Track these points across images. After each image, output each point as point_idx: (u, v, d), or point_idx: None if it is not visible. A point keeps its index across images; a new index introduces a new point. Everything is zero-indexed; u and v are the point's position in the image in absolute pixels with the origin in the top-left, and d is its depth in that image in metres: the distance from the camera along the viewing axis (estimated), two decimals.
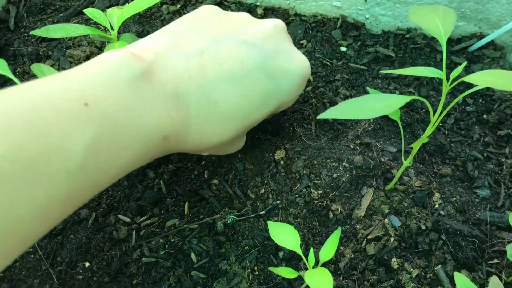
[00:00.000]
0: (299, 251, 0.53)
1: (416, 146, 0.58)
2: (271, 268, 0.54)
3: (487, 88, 0.82)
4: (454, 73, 0.52)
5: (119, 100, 0.41)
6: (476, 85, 0.53)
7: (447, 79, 0.51)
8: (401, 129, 0.62)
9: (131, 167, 0.46)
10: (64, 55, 0.83)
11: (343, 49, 0.88)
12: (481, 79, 0.46)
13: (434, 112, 0.59)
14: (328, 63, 0.86)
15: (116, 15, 0.67)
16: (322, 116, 0.47)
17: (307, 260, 0.54)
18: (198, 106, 0.51)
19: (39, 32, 0.63)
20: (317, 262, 0.58)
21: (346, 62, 0.86)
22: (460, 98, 0.50)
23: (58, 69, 0.81)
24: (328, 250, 0.54)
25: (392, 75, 0.84)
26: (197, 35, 0.55)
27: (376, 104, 0.48)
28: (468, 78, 0.47)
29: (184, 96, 0.50)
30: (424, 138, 0.56)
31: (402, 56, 0.87)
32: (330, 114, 0.48)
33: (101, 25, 0.75)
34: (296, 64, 0.59)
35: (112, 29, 0.68)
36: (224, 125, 0.53)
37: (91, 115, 0.38)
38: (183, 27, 0.57)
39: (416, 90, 0.82)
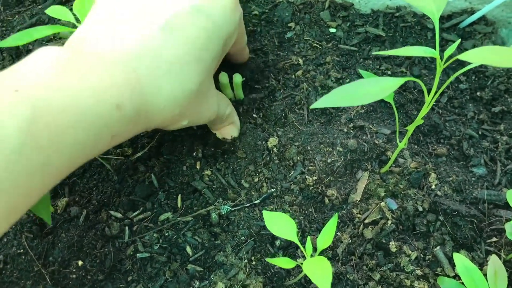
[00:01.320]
0: (296, 240, 0.52)
1: (411, 128, 0.56)
2: (268, 259, 0.53)
3: (480, 65, 0.81)
4: (448, 52, 0.50)
5: (51, 83, 0.41)
6: (470, 63, 0.51)
7: (441, 58, 0.50)
8: (395, 111, 0.60)
9: (90, 146, 0.44)
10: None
11: (332, 30, 0.86)
12: (476, 56, 0.44)
13: (428, 92, 0.57)
14: (317, 46, 0.84)
15: (78, 9, 0.65)
16: (315, 105, 0.45)
17: (304, 248, 0.53)
18: (143, 64, 0.48)
19: (5, 43, 0.62)
20: (314, 249, 0.57)
21: (336, 43, 0.84)
22: (454, 77, 0.49)
23: None
24: (325, 238, 0.53)
25: (383, 55, 0.82)
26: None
27: (370, 89, 0.47)
28: (463, 56, 0.46)
29: (125, 59, 0.48)
30: (419, 120, 0.54)
31: (393, 35, 0.85)
32: (323, 102, 0.46)
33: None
34: None
35: (79, 22, 0.66)
36: (178, 74, 0.51)
37: (22, 98, 0.38)
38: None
39: (408, 69, 0.81)
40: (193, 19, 0.53)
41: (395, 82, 0.47)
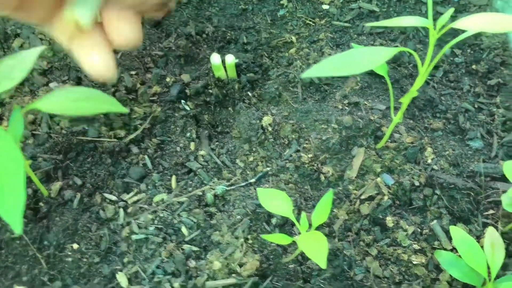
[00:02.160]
0: (291, 217, 0.52)
1: (405, 100, 0.56)
2: (263, 236, 0.52)
3: (475, 37, 0.80)
4: (441, 21, 0.49)
5: None
6: (464, 32, 0.50)
7: (434, 27, 0.49)
8: (389, 84, 0.60)
9: None
10: (33, 32, 0.79)
11: (325, 7, 0.84)
12: (471, 23, 0.44)
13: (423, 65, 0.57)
14: (311, 23, 0.83)
15: None
16: (306, 74, 0.45)
17: (300, 225, 0.52)
18: None
19: None
20: (310, 225, 0.56)
21: (329, 20, 0.83)
22: (449, 46, 0.48)
23: (29, 47, 0.77)
24: (320, 214, 0.52)
25: (377, 31, 0.81)
26: None
27: (362, 59, 0.46)
28: (457, 24, 0.45)
29: None
30: (413, 92, 0.54)
31: (387, 11, 0.84)
32: (314, 72, 0.46)
33: None
34: None
35: None
36: None
37: None
38: None
39: (402, 44, 0.80)
40: None
41: (388, 52, 0.46)
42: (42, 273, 0.59)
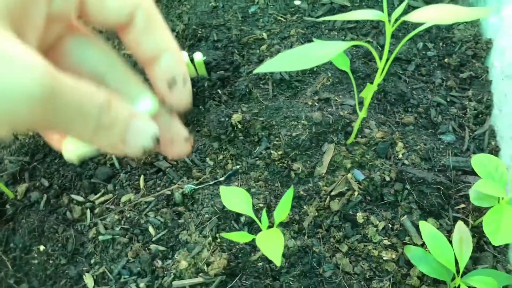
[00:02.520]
0: (251, 214, 0.51)
1: (365, 95, 0.55)
2: (223, 234, 0.52)
3: (448, 30, 0.80)
4: (395, 14, 0.49)
5: None
6: (422, 24, 0.50)
7: (389, 21, 0.48)
8: (352, 78, 0.59)
9: None
10: None
11: (297, 2, 0.84)
12: (421, 15, 0.43)
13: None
14: (282, 19, 0.82)
15: None
16: (258, 70, 0.44)
17: (260, 223, 0.52)
18: None
19: None
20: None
21: (300, 16, 0.82)
22: (408, 38, 0.47)
23: None
24: (282, 210, 0.52)
25: (349, 26, 0.80)
26: None
27: (317, 52, 0.46)
28: (408, 17, 0.44)
29: None
30: (373, 86, 0.53)
31: (359, 5, 0.83)
32: (268, 67, 0.45)
33: None
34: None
35: None
36: None
37: None
38: None
39: (374, 39, 0.79)
40: None
41: (342, 45, 0.45)
42: (9, 276, 0.59)
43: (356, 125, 0.63)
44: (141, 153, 0.29)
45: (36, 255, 0.60)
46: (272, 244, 0.45)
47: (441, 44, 0.79)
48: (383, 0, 0.82)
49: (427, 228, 0.58)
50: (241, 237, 0.51)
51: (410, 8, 0.83)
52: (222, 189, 0.54)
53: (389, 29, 0.48)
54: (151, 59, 0.33)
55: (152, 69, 0.33)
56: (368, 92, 0.53)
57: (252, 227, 0.63)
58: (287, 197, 0.52)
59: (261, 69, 0.44)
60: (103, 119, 0.27)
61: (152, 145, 0.29)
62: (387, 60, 0.51)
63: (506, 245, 0.61)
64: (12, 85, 0.22)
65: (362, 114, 0.60)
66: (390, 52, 0.76)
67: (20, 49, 0.23)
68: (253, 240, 0.52)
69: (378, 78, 0.52)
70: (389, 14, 0.49)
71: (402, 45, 0.49)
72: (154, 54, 0.33)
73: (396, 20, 0.47)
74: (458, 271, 0.55)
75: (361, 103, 0.72)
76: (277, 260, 0.43)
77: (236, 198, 0.52)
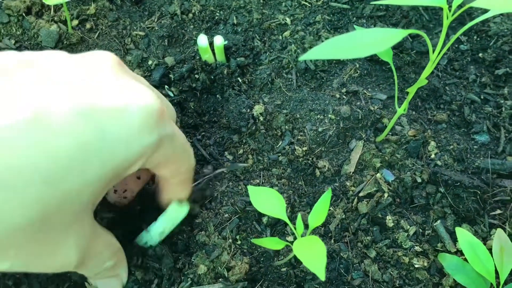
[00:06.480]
0: (285, 218, 0.46)
1: (412, 90, 0.50)
2: (253, 240, 0.47)
3: (483, 23, 0.75)
4: (457, 1, 0.44)
5: None
6: (476, 18, 0.45)
7: (450, 8, 0.43)
8: (394, 71, 0.54)
9: None
10: (0, 7, 0.72)
11: None
12: (496, 2, 0.38)
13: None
14: (306, 3, 0.76)
15: None
16: (304, 57, 0.39)
17: (294, 227, 0.47)
18: None
19: None
20: (306, 226, 0.51)
21: (326, 1, 0.77)
22: (463, 30, 0.42)
23: None
24: (318, 215, 0.47)
25: (378, 14, 0.75)
26: None
27: (368, 41, 0.41)
28: (477, 3, 0.39)
29: None
30: (422, 80, 0.48)
31: None
32: (314, 54, 0.40)
33: None
34: (133, 101, 0.39)
35: None
36: (9, 195, 0.34)
37: None
38: None
39: (404, 29, 0.74)
40: (69, 124, 0.35)
41: (396, 35, 0.40)
42: (7, 277, 0.54)
43: (391, 122, 0.59)
44: None
45: None
46: (313, 255, 0.40)
47: (475, 37, 0.75)
48: None
49: (465, 235, 0.54)
50: (273, 243, 0.46)
51: None
52: (250, 188, 0.49)
53: (448, 17, 0.43)
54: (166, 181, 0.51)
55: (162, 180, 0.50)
56: (416, 86, 0.48)
57: (275, 229, 0.58)
58: (325, 200, 0.47)
59: (308, 55, 0.39)
60: None
61: None
62: (439, 53, 0.46)
63: None
64: None
65: (401, 110, 0.55)
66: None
67: None
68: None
69: (428, 71, 0.47)
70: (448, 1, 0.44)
71: (458, 35, 0.44)
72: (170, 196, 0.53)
73: (459, 6, 0.42)
74: (498, 284, 0.52)
75: (391, 97, 0.67)
76: (321, 274, 0.39)
77: (268, 200, 0.47)
